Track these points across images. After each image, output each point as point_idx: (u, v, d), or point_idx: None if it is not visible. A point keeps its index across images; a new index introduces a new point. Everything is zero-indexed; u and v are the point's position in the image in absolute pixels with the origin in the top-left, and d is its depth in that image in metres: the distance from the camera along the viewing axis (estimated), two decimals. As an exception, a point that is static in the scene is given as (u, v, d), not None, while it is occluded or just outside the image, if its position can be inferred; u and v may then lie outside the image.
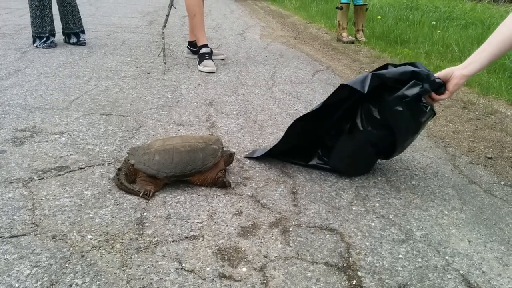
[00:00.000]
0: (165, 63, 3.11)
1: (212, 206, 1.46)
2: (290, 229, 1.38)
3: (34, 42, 3.71)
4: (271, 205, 1.50)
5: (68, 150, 1.79)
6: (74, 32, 3.85)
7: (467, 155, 2.05)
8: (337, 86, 1.56)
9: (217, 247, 1.27)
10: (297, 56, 3.99)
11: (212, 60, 3.25)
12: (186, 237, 1.30)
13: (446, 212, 1.54)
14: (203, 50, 3.29)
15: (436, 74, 1.52)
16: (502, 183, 1.79)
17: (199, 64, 3.24)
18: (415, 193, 1.66)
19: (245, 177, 1.68)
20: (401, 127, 1.58)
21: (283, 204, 1.51)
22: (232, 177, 1.68)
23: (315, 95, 2.80)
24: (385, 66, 1.67)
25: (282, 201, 1.54)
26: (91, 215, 1.37)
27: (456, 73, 1.49)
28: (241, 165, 1.79)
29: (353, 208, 1.53)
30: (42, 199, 1.44)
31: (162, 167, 1.51)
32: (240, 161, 1.83)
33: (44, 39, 3.67)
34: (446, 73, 1.51)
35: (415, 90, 1.49)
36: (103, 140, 1.91)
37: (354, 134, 1.62)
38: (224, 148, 1.70)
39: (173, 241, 1.28)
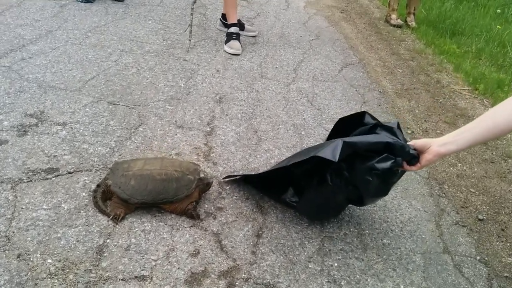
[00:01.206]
0: (190, 40, 3.10)
1: (173, 241, 1.55)
2: (237, 284, 1.44)
3: (74, -6, 3.74)
4: (230, 248, 1.57)
5: (64, 148, 1.90)
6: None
7: (458, 211, 2.00)
8: (308, 157, 1.53)
9: None
10: (334, 39, 3.84)
11: (239, 41, 3.20)
12: (136, 277, 1.40)
13: (402, 287, 1.55)
14: (231, 30, 3.24)
15: (412, 142, 1.47)
16: (478, 257, 1.76)
17: (225, 44, 3.21)
18: (380, 255, 1.66)
19: (218, 207, 1.74)
20: (369, 191, 1.56)
21: (241, 250, 1.58)
22: (206, 205, 1.74)
23: (330, 102, 2.74)
24: (362, 115, 1.63)
25: (242, 245, 1.60)
26: (59, 235, 1.49)
27: (432, 148, 1.43)
28: (220, 190, 1.84)
29: (309, 266, 1.57)
30: (22, 208, 1.57)
31: (135, 193, 1.59)
32: (221, 185, 1.86)
33: (84, -8, 3.70)
34: (423, 144, 1.45)
35: (387, 164, 1.45)
36: (100, 138, 2.00)
37: (322, 187, 1.62)
38: (202, 175, 1.75)
39: (122, 279, 1.38)
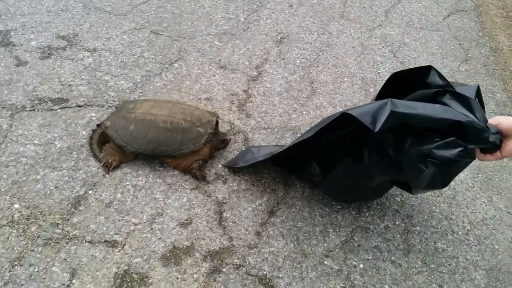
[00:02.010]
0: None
1: (165, 203, 1.26)
2: (224, 270, 1.13)
3: None
4: (230, 223, 1.25)
5: (83, 77, 1.69)
6: None
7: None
8: (337, 115, 1.09)
9: (125, 268, 1.12)
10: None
11: None
12: (106, 241, 1.16)
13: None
14: None
15: (495, 120, 0.98)
16: None
17: None
18: (427, 263, 1.24)
19: (232, 170, 1.41)
20: (419, 182, 1.11)
21: (244, 227, 1.27)
22: (219, 166, 1.42)
23: (420, 55, 2.17)
24: (426, 71, 1.13)
25: (247, 222, 1.29)
26: (38, 177, 1.29)
27: None
28: (242, 149, 1.49)
29: (325, 262, 1.21)
30: (12, 140, 1.39)
31: (133, 140, 1.32)
32: (246, 142, 1.55)
33: None
34: (510, 124, 0.95)
35: (452, 152, 0.99)
36: (126, 71, 1.75)
37: (356, 164, 1.20)
38: (218, 130, 1.44)
39: (89, 242, 1.15)
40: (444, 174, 1.06)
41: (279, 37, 2.13)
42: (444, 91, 1.07)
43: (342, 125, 1.09)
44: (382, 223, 1.32)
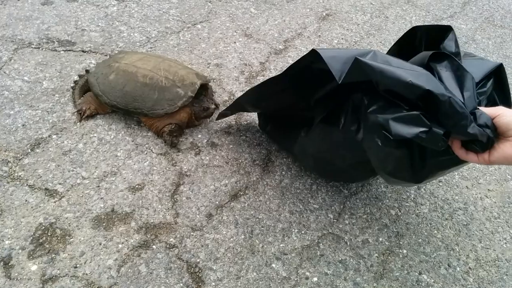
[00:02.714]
0: None
1: (124, 164, 1.18)
2: (153, 247, 1.01)
3: None
4: (184, 198, 1.12)
5: (100, 24, 1.65)
6: None
7: None
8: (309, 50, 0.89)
9: (51, 221, 1.05)
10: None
11: None
12: (46, 189, 1.10)
13: None
14: None
15: (494, 112, 0.72)
16: None
17: None
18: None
19: (212, 142, 1.29)
20: (379, 163, 0.90)
21: (196, 206, 1.14)
22: (199, 135, 1.30)
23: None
24: (447, 31, 0.90)
25: (202, 201, 1.15)
26: (11, 112, 1.27)
27: None
28: (232, 123, 1.37)
29: (273, 266, 1.02)
30: (5, 72, 1.39)
31: (109, 91, 1.23)
32: (238, 116, 1.41)
33: None
34: (509, 122, 0.70)
35: (411, 130, 0.76)
36: (145, 25, 1.69)
37: (330, 129, 0.99)
38: (206, 97, 1.30)
39: (29, 186, 1.09)
40: (414, 161, 0.82)
41: (324, 14, 1.91)
42: (443, 55, 0.82)
43: (306, 62, 0.88)
44: (361, 236, 1.10)
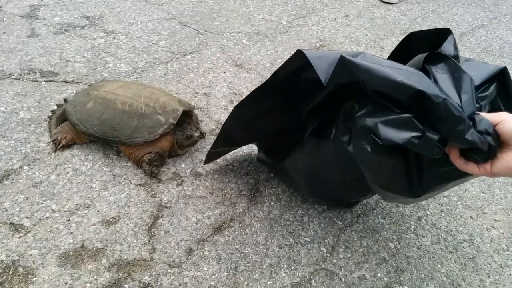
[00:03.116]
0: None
1: (99, 195, 1.09)
2: (125, 286, 0.90)
3: None
4: (162, 232, 1.03)
5: (86, 55, 1.60)
6: None
7: None
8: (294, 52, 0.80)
9: (14, 258, 0.96)
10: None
11: None
12: (11, 223, 1.01)
13: None
14: None
15: (497, 118, 0.63)
16: None
17: None
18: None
19: (197, 172, 1.21)
20: (370, 174, 0.81)
21: (176, 240, 1.05)
22: (182, 165, 1.22)
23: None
24: (445, 34, 0.83)
25: (183, 234, 1.06)
26: (-18, 143, 1.17)
27: None
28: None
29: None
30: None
31: (85, 119, 1.16)
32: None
33: None
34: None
35: (402, 135, 0.68)
36: (132, 56, 1.65)
37: (322, 141, 0.90)
38: (189, 125, 1.22)
39: (-8, 220, 0.98)
40: (410, 172, 0.72)
41: (318, 45, 1.87)
42: (439, 56, 0.74)
43: (294, 65, 0.80)
44: (357, 271, 0.99)
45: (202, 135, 1.28)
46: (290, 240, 1.05)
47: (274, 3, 2.18)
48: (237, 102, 1.36)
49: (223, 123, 1.28)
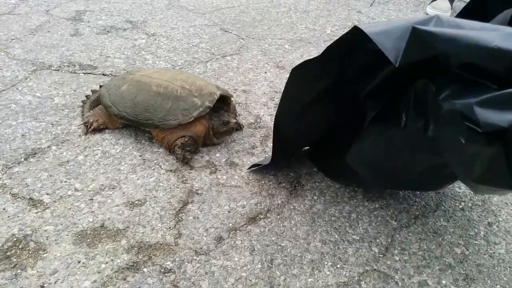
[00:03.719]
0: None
1: (127, 178, 1.00)
2: (144, 270, 0.80)
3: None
4: (190, 217, 0.92)
5: (126, 53, 1.58)
6: None
7: None
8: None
9: (27, 233, 0.88)
10: None
11: (450, 1, 2.27)
12: (30, 199, 0.93)
13: None
14: None
15: None
16: None
17: (429, 3, 2.34)
18: None
19: (232, 162, 1.10)
20: (463, 168, 0.66)
21: (204, 227, 0.93)
22: (217, 154, 1.11)
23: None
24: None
25: (210, 222, 0.94)
26: (14, 123, 1.16)
27: None
28: (255, 143, 1.19)
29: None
30: (18, 88, 1.29)
31: (119, 101, 1.09)
32: (264, 139, 1.21)
33: None
34: None
35: (507, 117, 0.53)
36: (172, 55, 1.61)
37: (388, 130, 0.78)
38: (226, 112, 1.13)
39: (11, 195, 0.93)
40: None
41: (366, 52, 1.75)
42: None
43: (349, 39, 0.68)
44: (417, 276, 0.83)
45: (240, 126, 1.18)
46: (336, 236, 0.90)
47: (317, 14, 2.11)
48: (278, 99, 1.27)
49: (263, 119, 1.18)
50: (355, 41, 0.70)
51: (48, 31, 1.64)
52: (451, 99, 0.59)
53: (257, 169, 1.05)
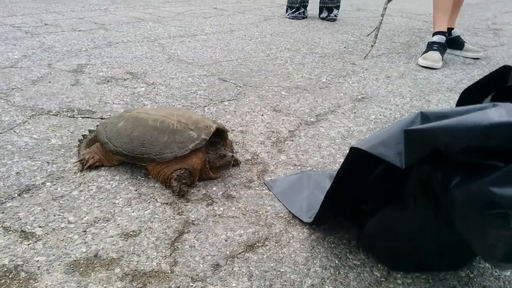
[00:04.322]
0: (373, 45, 2.45)
1: (121, 211, 0.98)
2: (133, 296, 0.75)
3: (286, 11, 3.65)
4: (186, 246, 0.91)
5: (125, 99, 1.62)
6: (327, 6, 3.56)
7: None
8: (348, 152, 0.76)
9: (18, 263, 0.85)
10: None
11: (441, 53, 2.36)
12: (22, 231, 0.90)
13: None
14: (434, 38, 2.43)
15: None
16: None
17: (421, 55, 2.42)
18: None
19: (229, 195, 1.09)
20: (486, 250, 0.63)
21: (200, 255, 0.90)
22: (214, 188, 1.10)
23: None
24: (504, 72, 0.70)
25: (207, 251, 0.92)
26: (9, 162, 1.15)
27: None
28: (252, 177, 1.18)
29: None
30: (15, 131, 1.30)
31: (115, 137, 1.10)
32: (260, 174, 1.20)
33: (294, 9, 3.56)
34: None
35: None
36: (170, 101, 1.64)
37: (396, 211, 0.79)
38: (222, 146, 1.14)
39: (3, 228, 0.90)
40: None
41: (359, 97, 1.81)
42: None
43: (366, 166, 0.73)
44: (422, 300, 0.79)
45: (236, 161, 1.18)
46: (336, 262, 0.88)
47: (313, 66, 2.19)
48: (275, 138, 1.30)
49: (260, 156, 1.18)
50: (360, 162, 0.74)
51: (49, 82, 1.69)
52: (464, 186, 0.59)
53: (254, 200, 1.05)
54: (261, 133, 1.41)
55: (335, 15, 3.54)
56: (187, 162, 1.06)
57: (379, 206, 0.83)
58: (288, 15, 3.55)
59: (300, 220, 0.99)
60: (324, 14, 3.56)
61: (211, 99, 1.65)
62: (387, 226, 0.85)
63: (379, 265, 0.88)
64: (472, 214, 0.58)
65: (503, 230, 0.55)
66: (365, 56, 2.42)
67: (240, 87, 1.82)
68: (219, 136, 1.14)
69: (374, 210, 0.84)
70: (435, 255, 0.83)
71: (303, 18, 3.56)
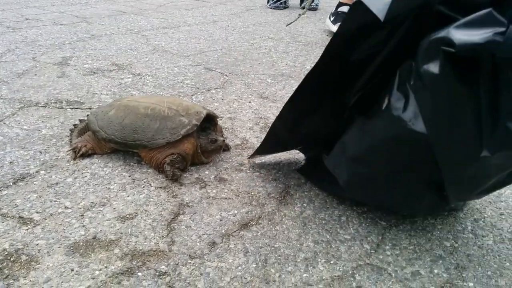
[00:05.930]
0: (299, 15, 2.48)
1: (117, 195, 1.01)
2: (139, 274, 0.79)
3: (267, 1, 3.66)
4: (182, 227, 0.93)
5: (112, 90, 1.63)
6: (309, -5, 3.58)
7: None
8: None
9: (18, 247, 0.86)
10: None
11: None
12: (20, 217, 0.91)
13: None
14: (342, 9, 2.52)
15: None
16: None
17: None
18: None
19: (221, 178, 1.12)
20: (427, 110, 0.67)
21: (197, 234, 0.93)
22: (206, 172, 1.12)
23: None
24: None
25: (203, 230, 0.94)
26: (1, 152, 1.13)
27: None
28: (244, 161, 1.19)
29: (289, 297, 0.75)
30: (5, 123, 1.30)
31: (107, 125, 1.12)
32: (252, 161, 1.20)
33: (276, -1, 3.58)
34: None
35: (481, 35, 0.56)
36: (158, 91, 1.66)
37: (373, 119, 0.79)
38: (212, 131, 1.17)
39: (1, 215, 0.91)
40: (482, 114, 0.61)
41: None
42: None
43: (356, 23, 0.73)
44: (409, 267, 0.84)
45: (227, 146, 1.21)
46: (327, 237, 0.92)
47: (296, 54, 2.22)
48: (263, 124, 1.32)
49: (249, 141, 1.22)
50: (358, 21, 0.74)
51: (35, 74, 1.69)
52: (429, 36, 0.62)
53: (246, 182, 1.08)
54: (249, 119, 1.44)
55: (316, 4, 3.57)
56: (179, 147, 1.09)
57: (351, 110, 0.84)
58: (270, 5, 3.57)
59: (292, 199, 1.02)
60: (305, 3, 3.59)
61: (198, 88, 1.68)
62: (353, 137, 0.85)
63: (368, 239, 0.92)
64: (429, 60, 0.62)
65: (450, 82, 0.59)
66: (287, 25, 2.46)
67: (226, 75, 1.84)
68: (210, 121, 1.17)
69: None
70: (392, 178, 0.85)
71: (285, 8, 3.59)
